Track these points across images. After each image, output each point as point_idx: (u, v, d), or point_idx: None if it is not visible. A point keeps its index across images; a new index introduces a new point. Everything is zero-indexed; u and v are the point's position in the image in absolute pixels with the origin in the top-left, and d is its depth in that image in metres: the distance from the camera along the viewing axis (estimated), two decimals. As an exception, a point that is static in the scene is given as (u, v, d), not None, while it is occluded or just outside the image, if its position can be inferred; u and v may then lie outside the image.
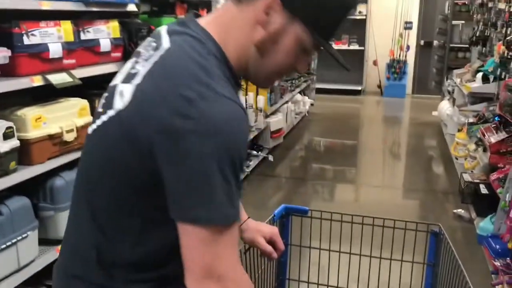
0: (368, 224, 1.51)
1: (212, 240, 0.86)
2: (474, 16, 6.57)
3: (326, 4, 0.96)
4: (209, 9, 3.72)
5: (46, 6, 2.09)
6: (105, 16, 2.52)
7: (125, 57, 2.62)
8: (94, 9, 2.36)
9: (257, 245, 1.29)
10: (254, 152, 5.14)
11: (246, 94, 5.05)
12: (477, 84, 5.07)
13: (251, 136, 4.97)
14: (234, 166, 0.87)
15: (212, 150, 0.84)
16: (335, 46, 9.68)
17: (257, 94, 5.22)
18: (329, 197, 4.83)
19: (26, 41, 2.05)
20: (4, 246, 1.97)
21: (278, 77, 1.06)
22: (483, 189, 3.74)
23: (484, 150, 4.04)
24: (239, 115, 0.89)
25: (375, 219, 1.50)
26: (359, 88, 9.92)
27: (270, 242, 1.30)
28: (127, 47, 2.64)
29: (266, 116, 5.44)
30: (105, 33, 2.50)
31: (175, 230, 0.89)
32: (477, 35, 6.06)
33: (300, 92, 7.26)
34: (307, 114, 7.48)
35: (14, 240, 2.01)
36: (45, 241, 2.24)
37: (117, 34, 2.58)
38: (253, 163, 5.00)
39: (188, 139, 0.83)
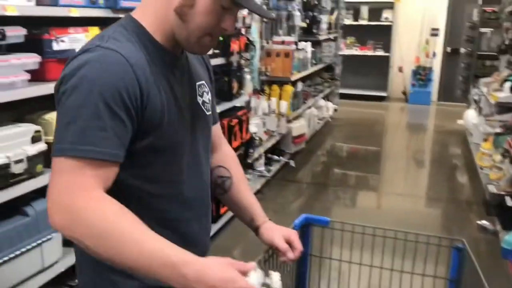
0: (390, 237, 1.49)
1: (54, 169, 0.98)
2: (504, 24, 6.44)
3: None
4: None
5: (75, 13, 2.14)
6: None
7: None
8: (121, 15, 2.40)
9: (274, 243, 1.30)
10: (276, 157, 5.15)
11: (269, 99, 5.06)
12: (504, 94, 4.96)
13: (273, 141, 4.98)
14: (81, 101, 0.97)
15: (67, 90, 0.99)
16: (360, 52, 9.68)
17: (279, 99, 5.23)
18: (350, 204, 4.80)
19: (56, 46, 2.10)
20: (30, 247, 2.02)
21: (210, 40, 1.11)
22: (509, 202, 3.67)
23: (511, 161, 3.95)
24: (101, 56, 1.00)
25: (398, 232, 1.48)
26: (384, 94, 9.83)
27: (288, 243, 1.30)
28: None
29: (288, 121, 5.44)
30: (131, 38, 2.53)
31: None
32: (506, 43, 5.95)
33: (323, 98, 7.23)
34: (330, 120, 7.45)
35: (39, 241, 2.06)
36: (68, 243, 2.28)
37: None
38: (274, 168, 5.00)
39: (62, 83, 1.00)
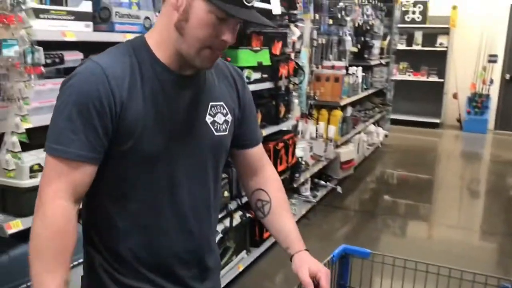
0: (432, 273, 1.44)
1: (45, 165, 1.13)
2: None
3: None
4: (284, 41, 3.78)
5: (130, 38, 2.23)
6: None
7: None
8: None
9: (298, 275, 1.27)
10: (322, 182, 5.09)
11: (317, 124, 5.04)
12: None
13: (320, 166, 4.93)
14: (62, 105, 1.10)
15: (59, 97, 1.12)
16: (413, 77, 9.46)
17: (328, 123, 5.20)
18: (399, 233, 4.66)
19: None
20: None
21: (210, 52, 1.14)
22: None
23: None
24: (84, 68, 1.12)
25: (441, 267, 1.43)
26: (437, 121, 9.56)
27: (314, 280, 1.26)
28: (202, 77, 2.74)
29: (337, 146, 5.39)
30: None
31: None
32: None
33: (374, 123, 7.12)
34: (380, 146, 7.31)
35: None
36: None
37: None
38: (320, 193, 4.94)
39: (59, 89, 1.14)
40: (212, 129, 1.26)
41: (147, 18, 2.31)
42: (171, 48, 1.16)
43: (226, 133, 1.30)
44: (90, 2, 2.06)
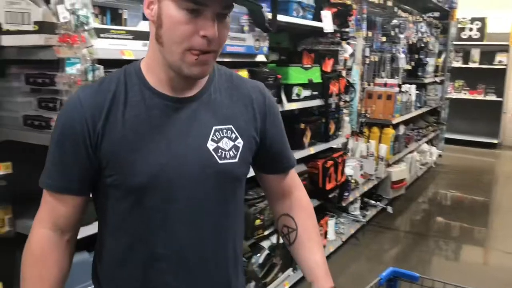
0: (486, 301, 1.38)
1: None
2: None
3: None
4: (336, 58, 3.78)
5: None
6: (237, 66, 2.70)
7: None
8: (227, 60, 2.55)
9: None
10: (372, 202, 4.99)
11: (368, 142, 4.98)
12: None
13: (370, 185, 4.85)
14: (53, 141, 1.10)
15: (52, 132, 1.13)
16: (469, 96, 9.17)
17: (379, 142, 5.12)
18: (452, 257, 4.48)
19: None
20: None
21: (195, 57, 1.02)
22: None
23: None
24: (67, 101, 1.12)
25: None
26: (495, 141, 9.17)
27: None
28: (253, 94, 2.77)
29: (388, 165, 5.29)
30: (234, 81, 2.66)
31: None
32: None
33: (427, 142, 6.95)
34: (433, 165, 7.10)
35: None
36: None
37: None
38: (370, 213, 4.85)
39: None
40: (215, 156, 1.11)
41: (201, 36, 2.37)
42: (160, 68, 1.08)
43: (236, 160, 1.14)
44: (148, 22, 2.14)
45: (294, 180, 1.35)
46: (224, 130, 1.13)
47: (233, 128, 1.15)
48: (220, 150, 1.12)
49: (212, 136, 1.12)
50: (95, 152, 1.07)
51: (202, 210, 1.13)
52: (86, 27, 1.61)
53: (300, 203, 1.33)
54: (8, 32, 1.72)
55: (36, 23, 1.66)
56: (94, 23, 1.71)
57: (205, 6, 0.99)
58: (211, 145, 1.11)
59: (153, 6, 1.04)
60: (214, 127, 1.12)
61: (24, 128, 1.88)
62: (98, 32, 1.76)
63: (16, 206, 1.91)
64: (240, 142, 1.15)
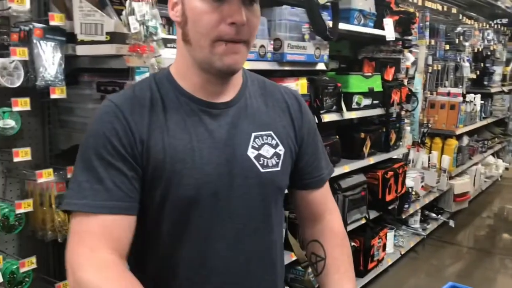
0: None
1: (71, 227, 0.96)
2: None
3: None
4: (397, 67, 3.70)
5: (246, 66, 2.33)
6: (296, 74, 2.71)
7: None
8: (287, 68, 2.56)
9: None
10: (433, 215, 4.84)
11: (430, 153, 4.83)
12: None
13: (431, 197, 4.69)
14: (79, 155, 0.98)
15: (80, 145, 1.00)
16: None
17: (442, 153, 4.96)
18: (520, 277, 4.24)
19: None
20: None
21: (224, 47, 0.96)
22: None
23: None
24: (98, 109, 1.00)
25: None
26: None
27: None
28: (312, 102, 2.77)
29: (450, 178, 5.11)
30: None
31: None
32: None
33: (493, 154, 6.65)
34: (499, 179, 6.77)
35: None
36: None
37: (304, 90, 2.73)
38: (431, 226, 4.70)
39: None
40: (257, 164, 1.04)
41: (262, 46, 2.40)
42: (192, 72, 1.02)
43: (278, 168, 1.07)
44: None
45: (327, 202, 1.24)
46: (264, 137, 1.07)
47: (273, 134, 1.08)
48: (261, 158, 1.05)
49: (252, 143, 1.05)
50: (141, 163, 0.98)
51: (247, 226, 1.05)
52: (154, 37, 1.67)
53: (332, 229, 1.22)
54: (83, 42, 1.81)
55: (108, 33, 1.74)
56: (162, 34, 1.77)
57: None
58: (252, 153, 1.04)
59: (177, 7, 1.00)
60: (254, 134, 1.06)
61: (94, 133, 1.96)
62: (165, 42, 1.82)
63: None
64: (281, 149, 1.09)
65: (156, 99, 1.01)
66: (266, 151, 1.06)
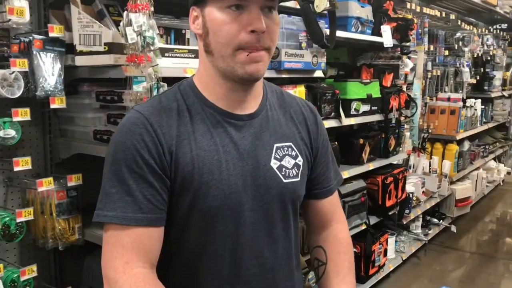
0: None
1: (104, 239, 0.99)
2: None
3: None
4: (396, 73, 3.72)
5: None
6: (294, 81, 2.73)
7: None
8: (284, 76, 2.58)
9: None
10: (435, 220, 4.83)
11: (430, 158, 4.83)
12: None
13: (433, 202, 4.69)
14: (109, 167, 0.98)
15: (106, 156, 1.01)
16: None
17: (442, 158, 4.96)
18: (523, 282, 4.23)
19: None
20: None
21: (246, 55, 0.98)
22: None
23: None
24: (125, 119, 1.01)
25: None
26: None
27: None
28: (311, 109, 2.79)
29: (452, 183, 5.10)
30: (292, 96, 2.70)
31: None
32: None
33: (494, 159, 6.64)
34: (501, 184, 6.76)
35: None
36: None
37: (302, 97, 2.76)
38: (432, 231, 4.69)
39: None
40: (280, 175, 1.07)
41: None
42: (216, 83, 1.04)
43: (298, 179, 1.11)
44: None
45: (335, 211, 1.27)
46: (285, 148, 1.10)
47: (293, 146, 1.12)
48: (283, 169, 1.09)
49: (275, 154, 1.08)
50: (170, 175, 0.99)
51: (269, 233, 1.08)
52: (152, 48, 1.70)
53: (336, 236, 1.25)
54: (82, 53, 1.84)
55: (106, 44, 1.78)
56: (159, 43, 1.80)
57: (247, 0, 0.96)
58: (274, 164, 1.07)
59: (198, 21, 1.03)
60: (276, 145, 1.09)
61: (93, 142, 2.00)
62: (163, 52, 1.85)
63: (85, 215, 2.02)
64: (300, 160, 1.12)
65: (183, 110, 1.03)
66: (287, 162, 1.10)
